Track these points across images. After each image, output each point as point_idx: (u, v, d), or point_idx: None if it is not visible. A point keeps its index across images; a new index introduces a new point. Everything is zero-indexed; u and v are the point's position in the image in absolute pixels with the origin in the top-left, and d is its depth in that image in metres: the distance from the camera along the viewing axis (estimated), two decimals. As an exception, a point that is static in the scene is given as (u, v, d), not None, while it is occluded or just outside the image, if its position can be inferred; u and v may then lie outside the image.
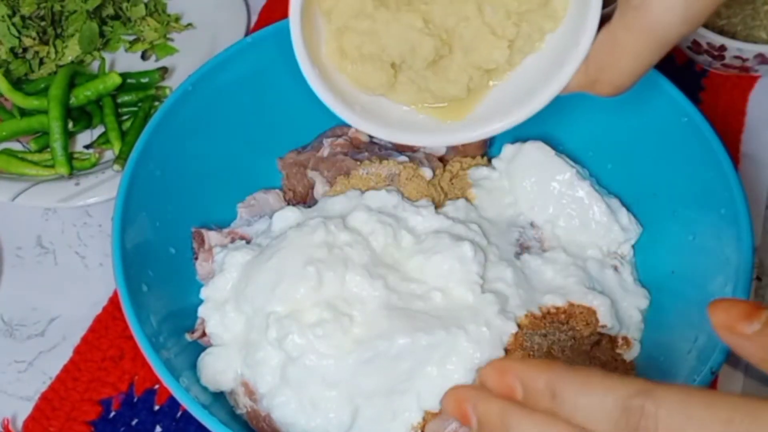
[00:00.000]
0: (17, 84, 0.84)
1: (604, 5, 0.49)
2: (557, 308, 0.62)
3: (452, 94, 0.54)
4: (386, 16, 0.51)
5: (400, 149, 0.71)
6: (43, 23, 0.86)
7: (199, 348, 0.63)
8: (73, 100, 0.81)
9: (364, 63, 0.53)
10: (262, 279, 0.61)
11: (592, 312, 0.62)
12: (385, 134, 0.55)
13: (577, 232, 0.68)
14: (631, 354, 0.64)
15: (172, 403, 0.68)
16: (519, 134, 0.69)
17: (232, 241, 0.68)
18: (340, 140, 0.71)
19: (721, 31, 0.82)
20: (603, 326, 0.62)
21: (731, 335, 0.36)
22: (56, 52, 0.86)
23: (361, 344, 0.57)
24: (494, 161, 0.70)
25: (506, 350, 0.58)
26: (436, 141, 0.59)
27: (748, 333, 0.35)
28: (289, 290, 0.59)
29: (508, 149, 0.69)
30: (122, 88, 0.83)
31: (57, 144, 0.78)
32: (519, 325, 0.59)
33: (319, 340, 0.57)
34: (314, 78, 0.52)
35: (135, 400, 0.68)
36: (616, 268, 0.67)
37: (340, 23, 0.52)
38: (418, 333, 0.57)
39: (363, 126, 0.54)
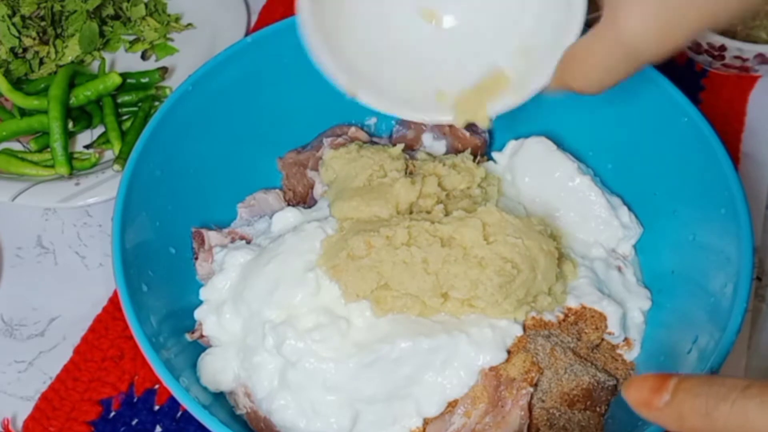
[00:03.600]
0: (17, 84, 0.84)
1: (589, 11, 0.50)
2: (569, 309, 0.61)
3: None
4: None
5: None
6: (43, 23, 0.86)
7: (199, 348, 0.63)
8: (73, 100, 0.81)
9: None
10: (259, 283, 0.61)
11: (603, 318, 0.62)
12: (385, 107, 0.57)
13: (578, 227, 0.67)
14: (631, 354, 0.64)
15: (172, 403, 0.68)
16: (520, 134, 0.69)
17: (232, 241, 0.67)
18: (340, 140, 0.71)
19: (721, 31, 0.82)
20: (610, 333, 0.62)
21: (649, 410, 0.40)
22: (56, 52, 0.86)
23: (362, 348, 0.57)
24: (496, 155, 0.70)
25: (509, 352, 0.58)
26: (434, 117, 0.59)
27: (661, 405, 0.40)
28: (286, 296, 0.59)
29: (511, 144, 0.70)
30: (122, 88, 0.83)
31: (57, 144, 0.78)
32: (524, 327, 0.59)
33: (317, 345, 0.57)
34: (317, 41, 0.54)
35: (135, 400, 0.68)
36: (619, 269, 0.67)
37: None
38: (419, 337, 0.57)
39: (365, 97, 0.56)
